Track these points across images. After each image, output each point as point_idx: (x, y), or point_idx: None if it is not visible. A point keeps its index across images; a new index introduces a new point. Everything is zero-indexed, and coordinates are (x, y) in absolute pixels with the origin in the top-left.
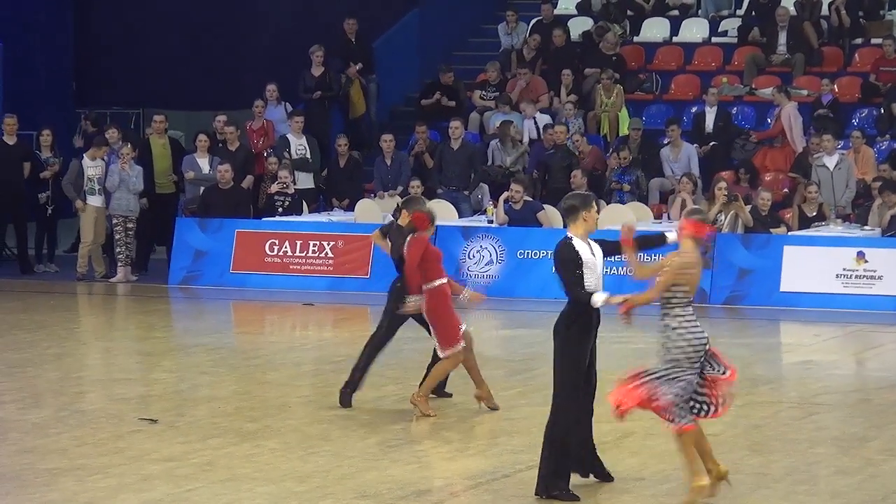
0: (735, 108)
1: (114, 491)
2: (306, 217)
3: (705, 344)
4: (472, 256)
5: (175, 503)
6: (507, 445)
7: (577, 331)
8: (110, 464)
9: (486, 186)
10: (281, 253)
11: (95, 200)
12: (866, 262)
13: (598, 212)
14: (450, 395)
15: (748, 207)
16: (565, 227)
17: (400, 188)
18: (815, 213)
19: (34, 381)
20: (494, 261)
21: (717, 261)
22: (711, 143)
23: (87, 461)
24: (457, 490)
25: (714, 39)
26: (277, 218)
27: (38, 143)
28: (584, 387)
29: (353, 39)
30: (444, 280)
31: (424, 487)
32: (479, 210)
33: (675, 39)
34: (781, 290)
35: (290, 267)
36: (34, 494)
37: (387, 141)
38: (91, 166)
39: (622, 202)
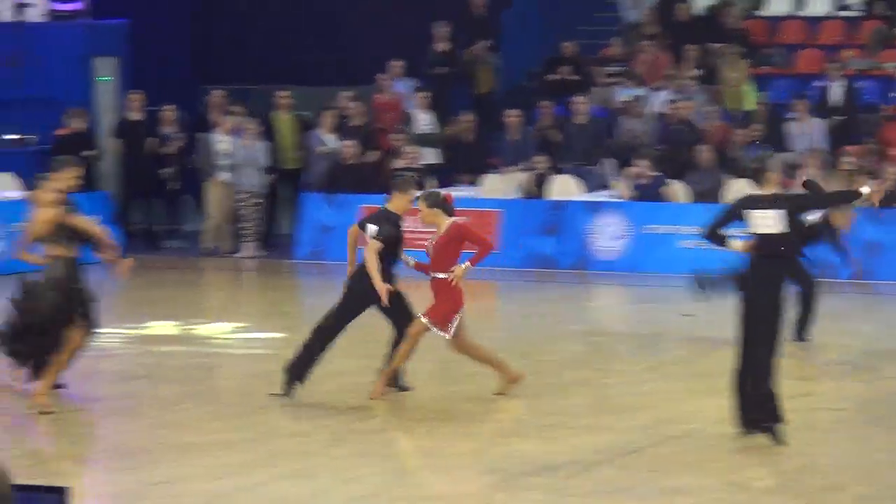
0: (861, 83)
1: (244, 467)
2: None
3: None
4: (598, 232)
5: (302, 478)
6: (635, 420)
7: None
8: (241, 439)
9: (611, 161)
10: (406, 228)
11: (223, 176)
12: None
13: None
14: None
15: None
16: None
17: (526, 163)
18: None
19: (162, 358)
20: (620, 236)
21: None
22: (837, 118)
23: (218, 436)
24: (584, 465)
25: (839, 13)
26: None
27: (161, 120)
28: None
29: (480, 15)
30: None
31: (554, 463)
32: (604, 185)
33: (799, 13)
34: None
35: (416, 242)
36: (166, 469)
37: (512, 116)
38: (219, 142)
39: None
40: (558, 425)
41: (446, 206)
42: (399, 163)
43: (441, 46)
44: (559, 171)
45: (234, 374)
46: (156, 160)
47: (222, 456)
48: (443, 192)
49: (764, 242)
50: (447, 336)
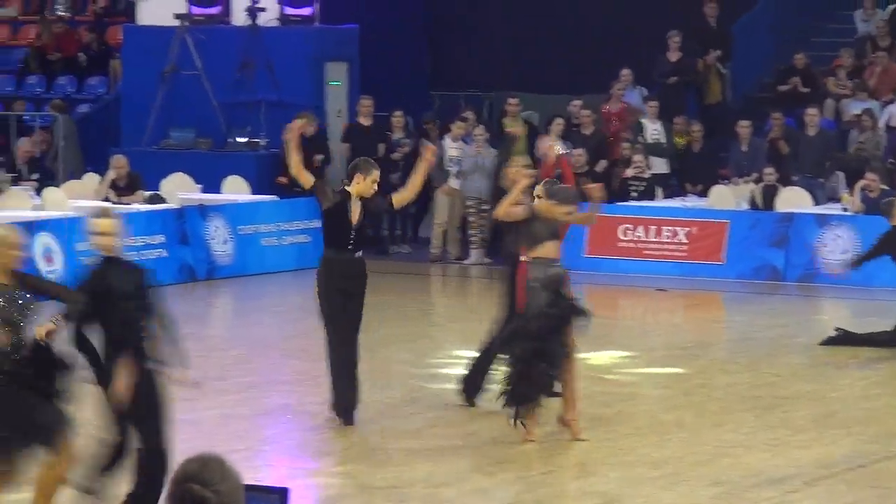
0: None
1: (465, 472)
2: (660, 202)
3: None
4: (826, 244)
5: (531, 488)
6: (863, 435)
7: None
8: (462, 446)
9: (841, 174)
10: (634, 238)
11: (452, 182)
12: None
13: None
14: None
15: None
16: None
17: (755, 174)
18: None
19: (386, 363)
20: (849, 249)
21: None
22: None
23: (438, 442)
24: (808, 479)
25: None
26: (631, 202)
27: (390, 125)
28: None
29: (712, 24)
30: None
31: (778, 476)
32: (834, 198)
33: None
34: None
35: (644, 252)
36: (386, 474)
37: (744, 127)
38: (451, 148)
39: None
40: (783, 438)
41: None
42: (627, 172)
43: (672, 56)
44: (788, 183)
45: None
46: (384, 165)
47: (445, 462)
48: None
49: None
50: None
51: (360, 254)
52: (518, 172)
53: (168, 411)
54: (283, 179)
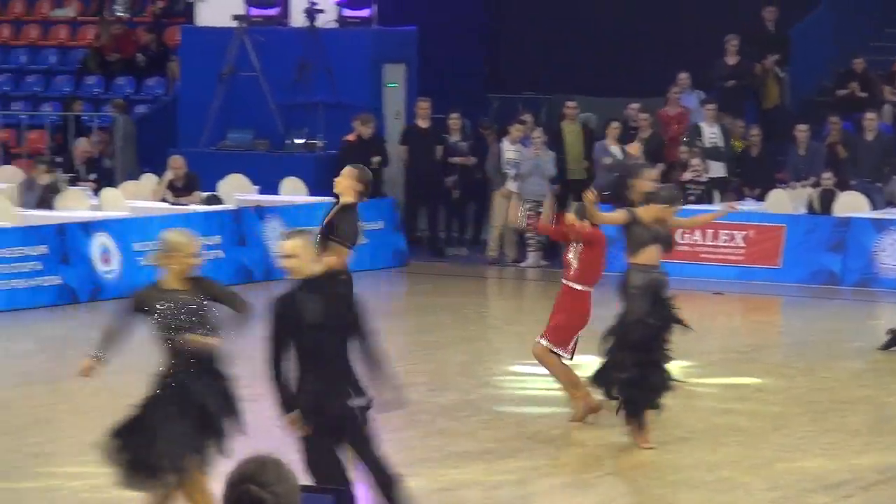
0: None
1: (521, 474)
2: (718, 206)
3: None
4: (885, 249)
5: (585, 490)
6: None
7: None
8: (519, 448)
9: None
10: (692, 241)
11: (510, 184)
12: None
13: None
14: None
15: None
16: None
17: (813, 179)
18: None
19: (444, 365)
20: None
21: None
22: None
23: (495, 444)
24: (864, 484)
25: None
26: (689, 206)
27: (447, 127)
28: None
29: (771, 28)
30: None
31: (834, 481)
32: (892, 202)
33: None
34: None
35: (701, 255)
36: (443, 476)
37: (801, 131)
38: (509, 150)
39: None
40: (839, 443)
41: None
42: (685, 175)
43: (730, 59)
44: (846, 188)
45: (509, 382)
46: (442, 168)
47: (501, 464)
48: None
49: None
50: (567, 356)
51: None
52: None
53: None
54: None
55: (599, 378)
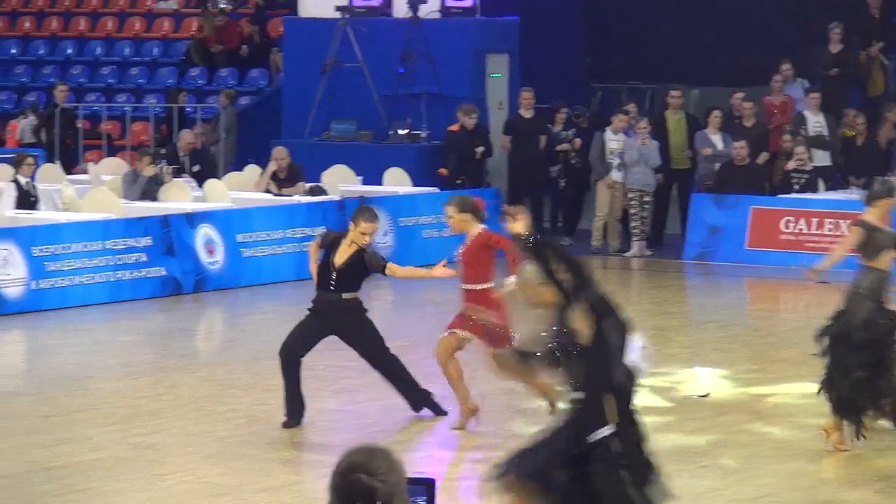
0: None
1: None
2: (822, 195)
3: None
4: None
5: (691, 478)
6: None
7: None
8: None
9: None
10: (796, 230)
11: (614, 174)
12: None
13: None
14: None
15: None
16: None
17: None
18: None
19: None
20: None
21: None
22: None
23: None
24: None
25: None
26: (793, 195)
27: (552, 118)
28: None
29: (874, 16)
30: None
31: None
32: None
33: None
34: None
35: (806, 245)
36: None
37: None
38: (612, 140)
39: None
40: None
41: (477, 212)
42: (789, 164)
43: (834, 48)
44: None
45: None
46: (545, 158)
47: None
48: (473, 197)
49: None
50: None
51: (348, 295)
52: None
53: None
54: (443, 171)
55: (828, 386)
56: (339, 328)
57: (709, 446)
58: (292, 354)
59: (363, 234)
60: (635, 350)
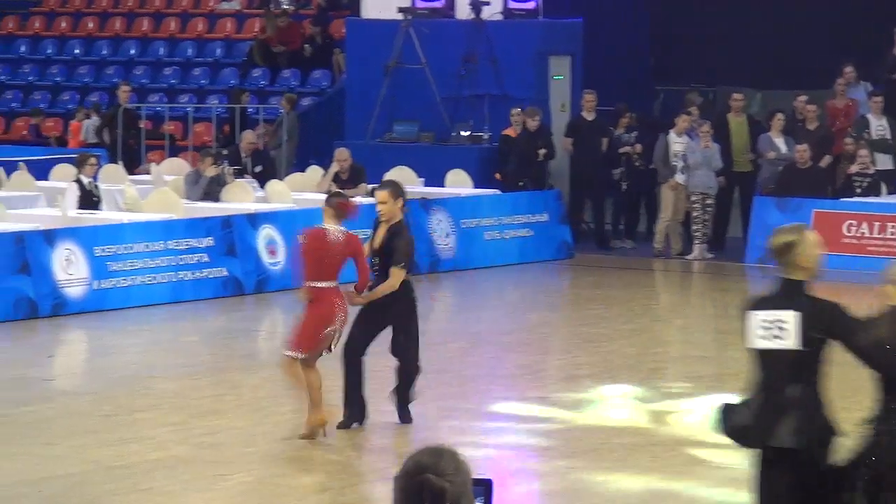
0: None
1: (687, 468)
2: (885, 198)
3: None
4: None
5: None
6: None
7: None
8: (684, 441)
9: None
10: (859, 234)
11: (678, 177)
12: None
13: None
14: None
15: None
16: None
17: None
18: None
19: (610, 356)
20: None
21: None
22: None
23: (661, 438)
24: None
25: None
26: (856, 199)
27: (614, 120)
28: None
29: None
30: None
31: None
32: None
33: None
34: None
35: (868, 248)
36: (608, 471)
37: None
38: (676, 142)
39: None
40: None
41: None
42: (852, 168)
43: None
44: None
45: (674, 375)
46: (608, 160)
47: (669, 456)
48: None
49: None
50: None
51: None
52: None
53: None
54: (499, 176)
55: None
56: (389, 315)
57: None
58: (354, 353)
59: (378, 206)
60: None
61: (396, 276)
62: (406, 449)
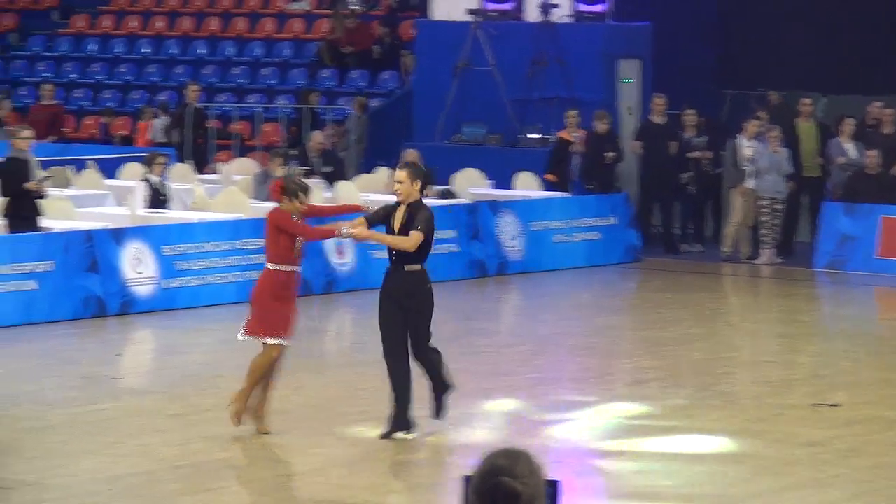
0: None
1: (752, 474)
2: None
3: None
4: None
5: (814, 488)
6: None
7: None
8: (755, 444)
9: None
10: None
11: (748, 181)
12: None
13: None
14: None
15: None
16: None
17: None
18: None
19: (677, 361)
20: None
21: None
22: None
23: (729, 445)
24: None
25: None
26: None
27: (683, 123)
28: None
29: None
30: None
31: None
32: None
33: None
34: None
35: None
36: (674, 475)
37: None
38: (746, 147)
39: None
40: None
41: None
42: None
43: None
44: None
45: (742, 380)
46: (677, 164)
47: (730, 464)
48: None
49: None
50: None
51: (410, 267)
52: None
53: None
54: (549, 176)
55: None
56: (406, 307)
57: (839, 455)
58: (395, 354)
59: (395, 185)
60: None
61: (415, 237)
62: (470, 451)
